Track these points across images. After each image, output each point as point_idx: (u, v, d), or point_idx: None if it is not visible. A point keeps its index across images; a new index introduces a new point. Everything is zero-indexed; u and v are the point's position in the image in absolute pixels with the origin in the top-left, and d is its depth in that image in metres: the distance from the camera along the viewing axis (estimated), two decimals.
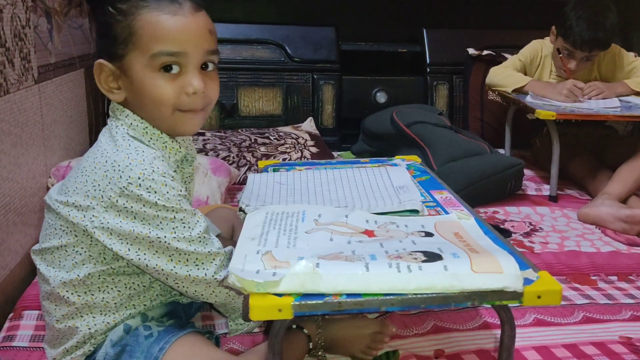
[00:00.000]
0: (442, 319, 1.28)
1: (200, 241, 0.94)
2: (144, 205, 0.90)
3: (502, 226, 1.85)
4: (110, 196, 0.91)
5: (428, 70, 2.88)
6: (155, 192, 0.90)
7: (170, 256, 0.93)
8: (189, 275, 0.95)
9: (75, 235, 0.96)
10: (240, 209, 1.08)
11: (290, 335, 1.09)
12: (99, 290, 0.99)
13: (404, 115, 2.28)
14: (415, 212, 1.05)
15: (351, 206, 1.07)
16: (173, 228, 0.92)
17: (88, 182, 0.93)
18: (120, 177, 0.91)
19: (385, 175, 1.27)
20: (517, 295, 0.77)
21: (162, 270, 0.94)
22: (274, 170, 1.34)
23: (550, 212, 1.98)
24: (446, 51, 2.88)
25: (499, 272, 0.77)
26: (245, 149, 2.29)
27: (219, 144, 2.33)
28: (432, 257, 0.80)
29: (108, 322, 1.00)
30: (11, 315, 1.28)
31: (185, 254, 0.93)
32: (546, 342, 1.22)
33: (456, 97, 2.88)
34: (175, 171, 1.01)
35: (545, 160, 2.24)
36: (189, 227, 0.93)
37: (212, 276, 0.96)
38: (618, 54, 2.30)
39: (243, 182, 2.06)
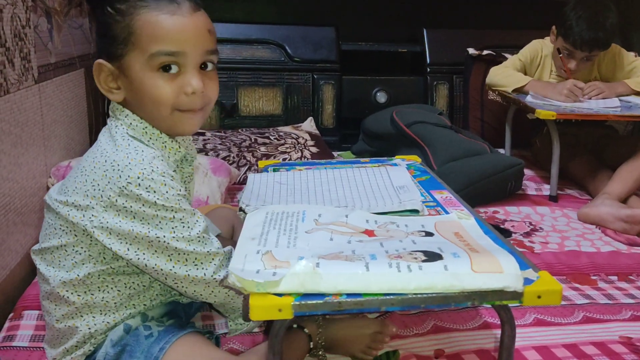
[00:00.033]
0: (442, 318, 1.28)
1: (199, 241, 0.94)
2: (143, 205, 0.90)
3: (502, 226, 1.85)
4: (110, 196, 0.91)
5: (428, 70, 2.88)
6: (155, 191, 0.90)
7: (169, 256, 0.93)
8: (188, 275, 0.94)
9: (75, 235, 0.96)
10: (240, 209, 1.08)
11: (290, 335, 1.09)
12: (99, 290, 0.99)
13: (404, 115, 2.28)
14: (415, 212, 1.05)
15: (351, 206, 1.07)
16: (172, 228, 0.92)
17: (87, 181, 0.93)
18: (120, 176, 0.91)
19: (386, 175, 1.27)
20: (517, 295, 0.77)
21: (161, 270, 0.94)
22: (274, 170, 1.34)
23: (551, 212, 1.98)
24: (446, 51, 2.88)
25: (499, 271, 0.77)
26: (246, 149, 2.29)
27: (219, 144, 2.33)
28: (432, 256, 0.80)
29: (108, 322, 1.00)
30: (11, 315, 1.28)
31: (184, 254, 0.93)
32: (546, 342, 1.22)
33: (456, 97, 2.88)
34: (174, 171, 1.01)
35: (546, 160, 2.24)
36: (188, 227, 0.93)
37: (211, 276, 0.96)
38: (618, 54, 2.30)
39: (243, 182, 2.06)
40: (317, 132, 2.60)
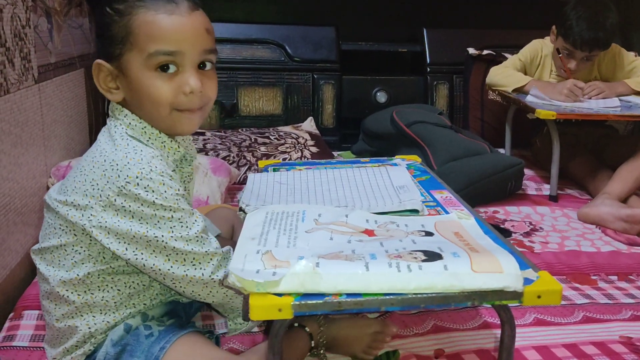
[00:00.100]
0: (442, 318, 1.28)
1: (197, 241, 0.94)
2: (141, 205, 0.90)
3: (502, 226, 1.85)
4: (109, 195, 0.91)
5: (428, 70, 2.88)
6: (153, 191, 0.90)
7: (167, 256, 0.93)
8: (186, 275, 0.94)
9: (75, 235, 0.96)
10: (240, 209, 1.08)
11: (292, 334, 1.09)
12: (99, 289, 0.99)
13: (404, 115, 2.28)
14: (415, 211, 1.05)
15: (351, 206, 1.07)
16: (171, 227, 0.92)
17: (87, 181, 0.93)
18: (119, 176, 0.91)
19: (386, 175, 1.27)
20: (517, 295, 0.77)
21: (159, 270, 0.94)
22: (274, 170, 1.34)
23: (551, 211, 1.98)
24: (446, 51, 2.88)
25: (499, 271, 0.77)
26: (246, 149, 2.29)
27: (219, 144, 2.33)
28: (432, 256, 0.80)
29: (108, 322, 1.00)
30: (11, 315, 1.28)
31: (182, 254, 0.93)
32: (546, 342, 1.22)
33: (456, 97, 2.88)
34: (174, 170, 1.01)
35: (546, 159, 2.24)
36: (187, 227, 0.93)
37: (209, 276, 0.96)
38: (618, 54, 2.30)
39: (243, 181, 2.06)
40: (317, 132, 2.60)
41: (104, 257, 0.97)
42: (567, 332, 1.26)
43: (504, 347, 0.85)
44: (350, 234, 0.92)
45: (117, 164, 0.92)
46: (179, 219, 0.93)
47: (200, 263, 0.95)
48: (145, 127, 0.99)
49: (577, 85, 2.12)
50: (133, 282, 1.01)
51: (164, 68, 0.95)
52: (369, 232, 0.93)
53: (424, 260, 0.78)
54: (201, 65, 0.99)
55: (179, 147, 1.03)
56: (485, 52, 2.72)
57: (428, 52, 2.88)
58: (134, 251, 0.93)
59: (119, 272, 0.99)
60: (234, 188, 2.03)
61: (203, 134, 2.45)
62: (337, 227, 0.94)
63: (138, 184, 0.90)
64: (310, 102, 2.80)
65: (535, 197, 2.12)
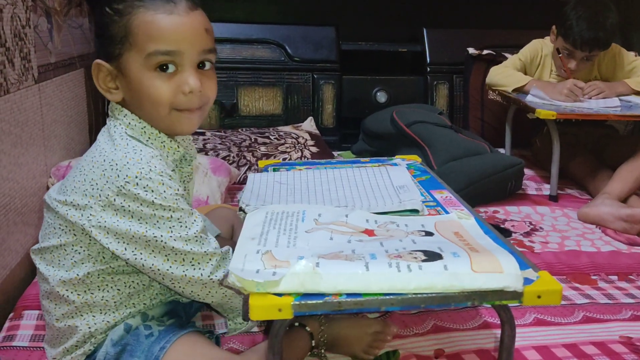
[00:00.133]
0: (442, 318, 1.28)
1: (196, 241, 0.94)
2: (141, 204, 0.90)
3: (502, 226, 1.85)
4: (108, 195, 0.91)
5: (428, 69, 2.88)
6: (152, 190, 0.90)
7: (166, 256, 0.93)
8: (185, 275, 0.94)
9: (74, 234, 0.96)
10: (240, 209, 1.08)
11: (292, 333, 1.09)
12: (99, 289, 0.99)
13: (404, 115, 2.28)
14: (415, 211, 1.05)
15: (351, 206, 1.07)
16: (170, 227, 0.92)
17: (86, 181, 0.93)
18: (118, 175, 0.91)
19: (386, 175, 1.26)
20: (517, 295, 0.77)
21: (158, 270, 0.94)
22: (274, 170, 1.34)
23: (551, 211, 1.98)
24: (446, 51, 2.88)
25: (499, 271, 0.77)
26: (246, 149, 2.29)
27: (219, 144, 2.33)
28: (432, 256, 0.80)
29: (108, 321, 1.00)
30: (11, 315, 1.28)
31: (181, 254, 0.93)
32: (546, 342, 1.22)
33: (456, 97, 2.88)
34: (173, 170, 1.01)
35: (546, 159, 2.24)
36: (186, 227, 0.93)
37: (208, 276, 0.96)
38: (618, 54, 2.30)
39: (243, 181, 2.06)
40: (317, 131, 2.60)
41: (103, 257, 0.97)
42: (567, 332, 1.26)
43: (504, 347, 0.85)
44: (350, 234, 0.92)
45: (116, 164, 0.92)
46: (178, 218, 0.93)
47: (199, 263, 0.95)
48: (144, 127, 0.99)
49: (577, 85, 2.12)
50: (133, 281, 1.01)
51: (163, 68, 0.95)
52: (369, 232, 0.93)
53: (424, 260, 0.78)
54: (200, 65, 0.99)
55: (178, 147, 1.03)
56: (485, 52, 2.72)
57: (428, 52, 2.88)
58: (133, 251, 0.93)
59: (119, 272, 0.99)
60: (234, 188, 2.03)
61: (203, 134, 2.45)
62: (337, 227, 0.94)
63: (137, 184, 0.90)
64: (310, 102, 2.80)
65: (535, 197, 2.12)
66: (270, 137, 2.45)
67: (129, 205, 0.90)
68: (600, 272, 1.56)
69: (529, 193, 2.16)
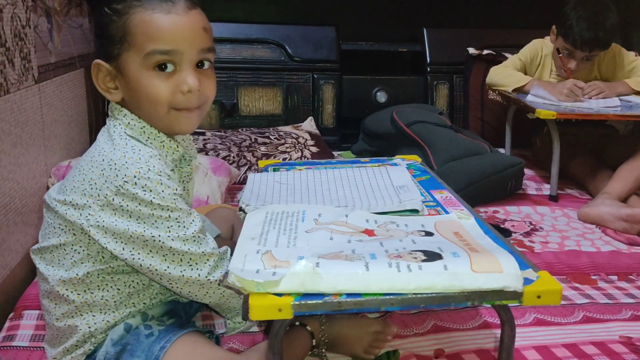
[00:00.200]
0: (442, 318, 1.28)
1: (194, 241, 0.94)
2: (139, 204, 0.90)
3: (502, 226, 1.85)
4: (107, 194, 0.91)
5: (428, 69, 2.88)
6: (151, 190, 0.90)
7: (164, 256, 0.93)
8: (183, 275, 0.94)
9: (74, 234, 0.96)
10: (240, 209, 1.08)
11: (293, 332, 1.09)
12: (99, 289, 0.99)
13: (404, 115, 2.28)
14: (415, 211, 1.05)
15: (351, 206, 1.07)
16: (168, 227, 0.92)
17: (85, 180, 0.94)
18: (117, 175, 0.91)
19: (386, 175, 1.26)
20: (517, 295, 0.77)
21: (156, 270, 0.94)
22: (274, 170, 1.34)
23: (551, 211, 1.98)
24: (446, 51, 2.88)
25: (499, 271, 0.77)
26: (246, 149, 2.29)
27: (219, 144, 2.33)
28: (432, 256, 0.80)
29: (108, 321, 1.00)
30: (11, 315, 1.28)
31: (179, 254, 0.93)
32: (546, 342, 1.22)
33: (456, 97, 2.88)
34: (172, 170, 1.01)
35: (546, 159, 2.24)
36: (184, 227, 0.93)
37: (206, 277, 0.96)
38: (618, 54, 2.30)
39: (243, 181, 2.06)
40: (317, 131, 2.60)
41: (103, 257, 0.97)
42: (567, 332, 1.26)
43: (504, 347, 0.85)
44: (350, 234, 0.92)
45: (115, 164, 0.92)
46: (176, 218, 0.93)
47: (197, 263, 0.95)
48: (144, 126, 0.99)
49: (577, 85, 2.12)
50: (133, 281, 1.01)
51: (161, 67, 0.95)
52: (369, 232, 0.93)
53: (424, 260, 0.78)
54: (199, 64, 0.99)
55: (177, 146, 1.03)
56: (485, 52, 2.72)
57: (428, 52, 2.88)
58: (130, 251, 0.93)
59: (119, 272, 0.99)
60: (234, 188, 2.03)
61: (203, 134, 2.45)
62: (337, 227, 0.94)
63: (136, 184, 0.90)
64: (310, 102, 2.80)
65: (535, 197, 2.12)
66: (271, 137, 2.45)
67: (127, 205, 0.90)
68: (600, 272, 1.56)
69: (529, 193, 2.16)
